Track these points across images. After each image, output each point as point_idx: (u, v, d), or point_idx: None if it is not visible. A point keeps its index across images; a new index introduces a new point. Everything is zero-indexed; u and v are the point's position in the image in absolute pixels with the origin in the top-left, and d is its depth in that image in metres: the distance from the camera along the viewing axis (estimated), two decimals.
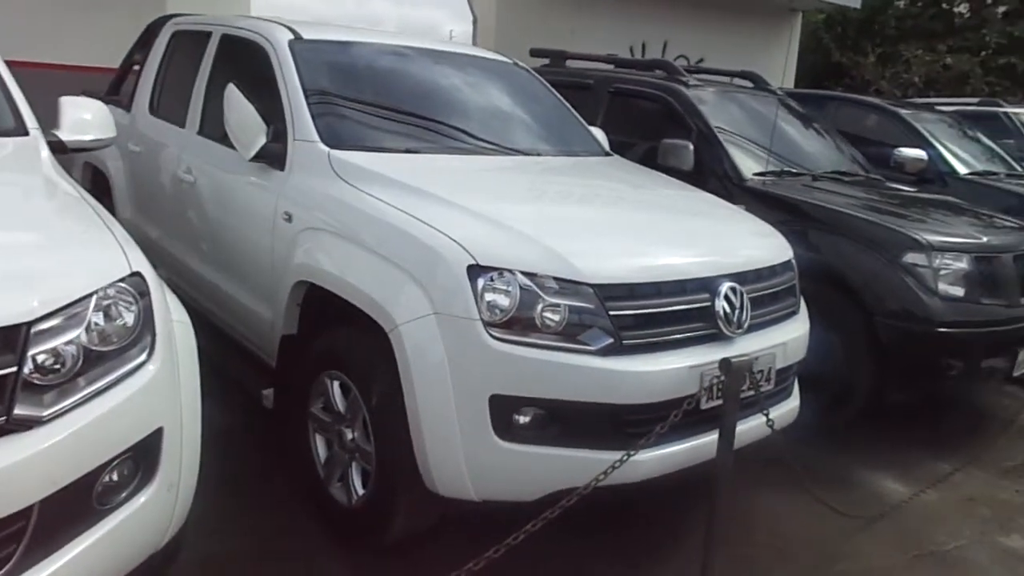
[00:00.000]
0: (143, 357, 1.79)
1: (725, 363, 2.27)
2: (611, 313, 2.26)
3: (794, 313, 2.89)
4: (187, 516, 2.03)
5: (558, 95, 3.99)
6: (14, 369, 1.57)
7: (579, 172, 3.38)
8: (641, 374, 2.25)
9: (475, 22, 8.99)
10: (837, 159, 4.97)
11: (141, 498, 1.78)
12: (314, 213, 2.74)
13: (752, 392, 2.41)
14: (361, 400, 2.49)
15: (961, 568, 2.85)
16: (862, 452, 3.64)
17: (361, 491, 2.56)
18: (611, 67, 5.66)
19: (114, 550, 1.74)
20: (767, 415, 2.46)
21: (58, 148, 2.61)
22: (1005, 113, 7.77)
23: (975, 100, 8.70)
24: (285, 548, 2.61)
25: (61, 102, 2.70)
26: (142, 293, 1.83)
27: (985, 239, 3.87)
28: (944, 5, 14.90)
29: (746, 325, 2.52)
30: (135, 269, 1.84)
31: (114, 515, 1.72)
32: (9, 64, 2.86)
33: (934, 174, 5.58)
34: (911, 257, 3.63)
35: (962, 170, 5.75)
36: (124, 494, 1.75)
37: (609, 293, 2.27)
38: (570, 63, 5.83)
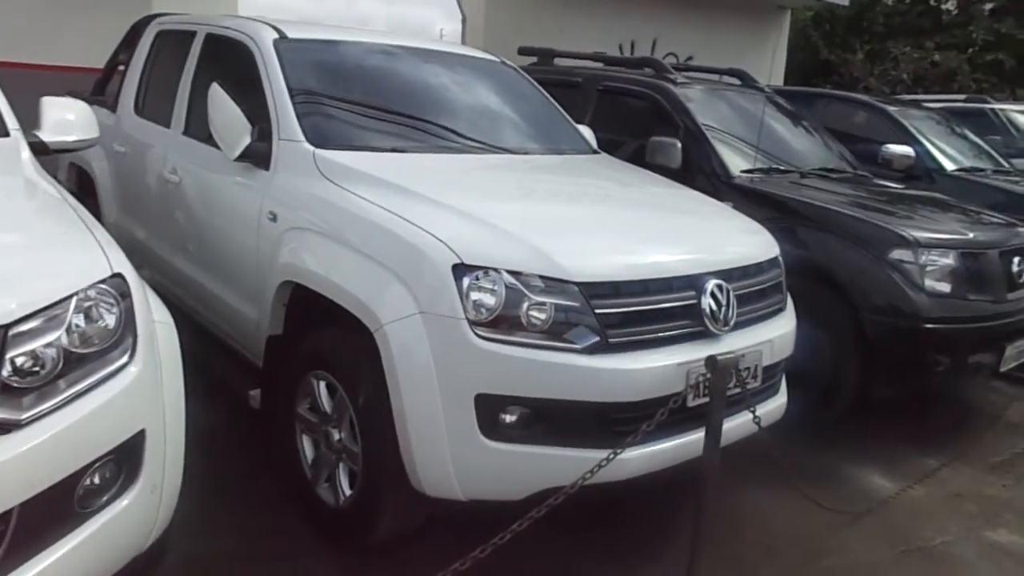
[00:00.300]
0: (125, 359, 1.77)
1: (711, 361, 2.27)
2: (597, 311, 2.26)
3: (781, 310, 2.89)
4: (172, 517, 2.02)
5: (545, 93, 3.98)
6: None
7: (566, 170, 3.38)
8: (627, 372, 2.25)
9: (464, 21, 8.97)
10: (825, 156, 4.98)
11: (124, 501, 1.76)
12: (299, 213, 2.73)
13: (739, 390, 2.41)
14: (348, 400, 2.48)
15: (948, 563, 2.86)
16: (849, 448, 3.66)
17: (348, 492, 2.55)
18: (600, 65, 5.66)
19: (97, 553, 1.73)
20: (754, 412, 2.46)
21: (40, 149, 2.58)
22: (992, 109, 7.82)
23: (962, 97, 8.76)
24: (272, 549, 2.60)
25: (43, 102, 2.68)
26: (123, 294, 1.82)
27: (971, 235, 3.88)
28: (932, 2, 14.98)
29: (732, 322, 2.52)
30: (116, 270, 1.83)
31: (96, 518, 1.71)
32: None
33: (921, 170, 5.60)
34: (898, 253, 3.64)
35: (949, 166, 5.78)
36: (106, 497, 1.74)
37: (595, 291, 2.27)
38: (558, 61, 5.82)
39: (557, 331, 2.23)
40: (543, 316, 2.23)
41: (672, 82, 4.79)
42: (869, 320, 3.62)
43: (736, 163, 4.35)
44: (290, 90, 3.02)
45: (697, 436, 2.35)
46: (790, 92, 6.31)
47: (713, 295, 2.48)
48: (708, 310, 2.46)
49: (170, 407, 1.91)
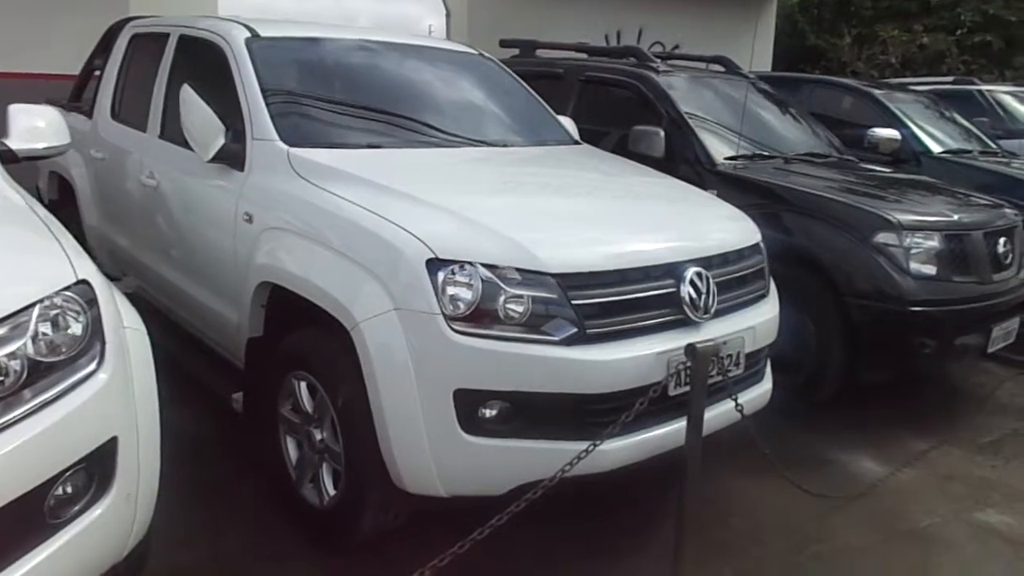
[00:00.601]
0: (93, 366, 1.75)
1: (690, 349, 2.25)
2: (574, 302, 2.24)
3: (763, 296, 2.88)
4: (153, 525, 2.01)
5: (525, 85, 3.95)
6: None
7: (545, 162, 3.35)
8: (606, 363, 2.24)
9: (448, 15, 8.93)
10: (810, 141, 4.96)
11: (97, 510, 1.74)
12: (274, 213, 2.71)
13: (720, 377, 2.40)
14: (328, 400, 2.46)
15: (937, 545, 2.86)
16: (839, 433, 3.65)
17: (332, 491, 2.53)
18: (583, 56, 5.64)
19: (70, 564, 1.71)
20: (736, 400, 2.45)
21: (8, 158, 2.55)
22: (979, 91, 7.80)
23: (950, 79, 8.73)
24: (259, 552, 2.58)
25: (11, 110, 2.64)
26: (90, 301, 1.79)
27: (956, 217, 3.87)
28: None
29: (713, 310, 2.51)
30: (81, 277, 1.80)
31: (69, 528, 1.69)
32: None
33: (908, 154, 5.59)
34: (882, 237, 3.63)
35: (936, 149, 5.76)
36: (78, 507, 1.72)
37: (572, 282, 2.25)
38: (541, 53, 5.79)
39: (535, 323, 2.22)
40: (520, 309, 2.21)
41: (654, 71, 4.77)
42: (854, 304, 3.61)
43: (720, 150, 4.33)
44: (263, 89, 2.99)
45: (680, 425, 2.34)
46: (775, 78, 6.29)
47: (692, 283, 2.46)
48: (688, 298, 2.44)
49: (143, 414, 1.88)
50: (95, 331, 1.78)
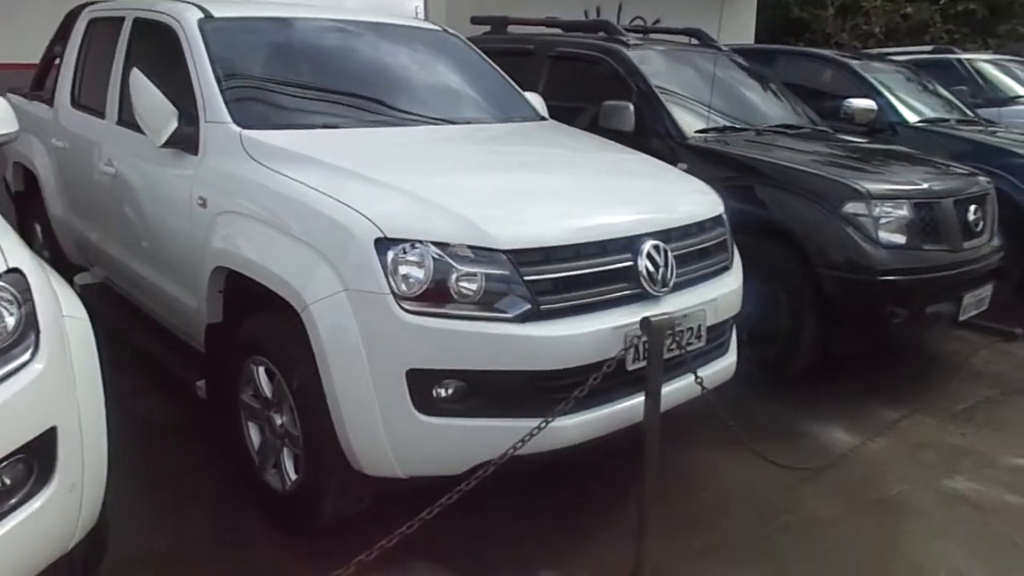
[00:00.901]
0: (27, 356, 1.71)
1: (645, 322, 2.23)
2: (527, 279, 2.21)
3: (726, 268, 2.85)
4: (109, 514, 1.99)
5: (490, 61, 3.90)
6: None
7: (508, 139, 3.31)
8: (560, 339, 2.21)
9: None
10: (784, 113, 4.92)
11: (37, 502, 1.71)
12: (227, 197, 2.66)
13: (679, 351, 2.38)
14: (285, 384, 2.43)
15: (905, 513, 2.86)
16: (812, 405, 3.65)
17: (293, 476, 2.52)
18: (555, 31, 5.56)
19: (11, 556, 1.68)
20: (696, 374, 2.43)
21: None
22: (958, 60, 7.76)
23: (929, 48, 8.68)
24: (221, 538, 2.57)
25: None
26: (23, 290, 1.76)
27: (926, 185, 3.85)
28: None
29: (672, 283, 2.48)
30: (13, 265, 1.77)
31: (6, 521, 1.66)
32: None
33: (884, 124, 5.55)
34: (851, 207, 3.60)
35: (912, 119, 5.72)
36: (16, 498, 1.69)
37: (524, 258, 2.22)
38: (513, 29, 5.71)
39: (488, 301, 2.19)
40: (473, 287, 2.18)
41: (624, 44, 4.71)
42: (825, 275, 3.59)
43: (691, 124, 4.29)
44: (216, 70, 2.94)
45: (639, 400, 2.32)
46: (751, 50, 6.23)
47: (650, 256, 2.43)
48: (646, 272, 2.42)
49: (86, 403, 1.85)
50: (29, 321, 1.74)
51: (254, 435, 2.70)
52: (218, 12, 3.19)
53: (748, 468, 2.95)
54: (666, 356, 2.30)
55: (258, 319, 2.55)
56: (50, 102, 4.22)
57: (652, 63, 4.64)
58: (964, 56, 7.90)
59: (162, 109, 2.81)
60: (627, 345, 2.28)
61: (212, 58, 2.97)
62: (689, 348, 2.48)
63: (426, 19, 6.48)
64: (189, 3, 3.25)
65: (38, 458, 1.72)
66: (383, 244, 2.15)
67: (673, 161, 3.96)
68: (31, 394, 1.70)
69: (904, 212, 3.65)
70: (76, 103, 3.98)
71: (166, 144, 2.85)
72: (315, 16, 3.48)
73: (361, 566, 1.86)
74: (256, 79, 3.07)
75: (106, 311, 3.81)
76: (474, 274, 2.18)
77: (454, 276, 2.17)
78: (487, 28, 5.68)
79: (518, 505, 2.70)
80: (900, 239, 3.62)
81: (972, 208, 3.91)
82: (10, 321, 1.71)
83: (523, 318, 2.19)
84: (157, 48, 3.25)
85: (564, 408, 2.12)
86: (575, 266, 2.31)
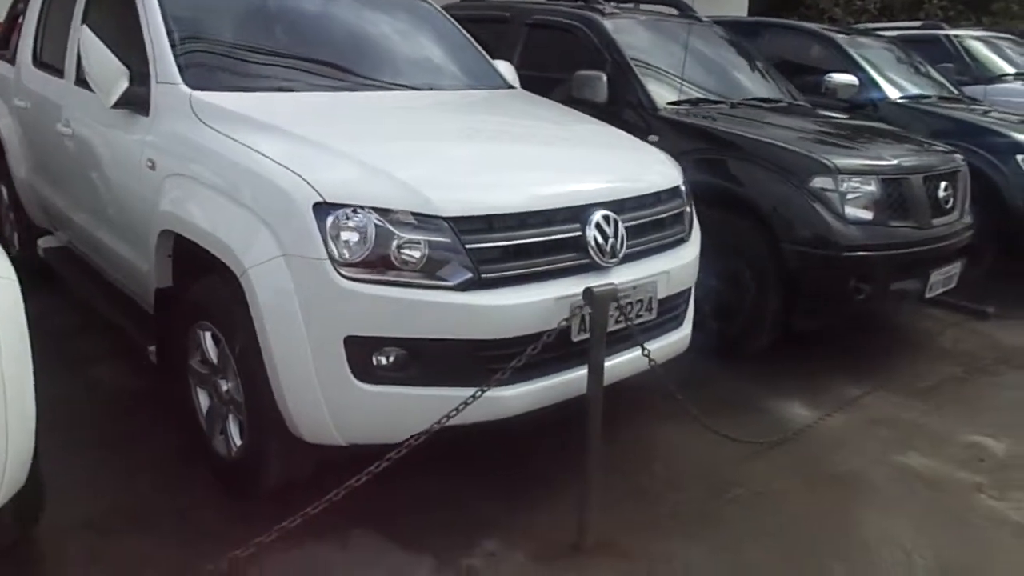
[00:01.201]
0: None
1: (588, 293, 2.20)
2: (468, 247, 2.18)
3: (683, 240, 2.82)
4: (35, 477, 1.98)
5: (459, 27, 3.83)
6: None
7: (470, 106, 3.26)
8: (501, 308, 2.19)
9: None
10: (761, 86, 4.86)
11: None
12: (174, 159, 2.62)
13: (625, 323, 2.35)
14: (228, 350, 2.41)
15: (857, 488, 2.85)
16: (774, 381, 3.63)
17: (239, 442, 2.50)
18: None
19: None
20: (643, 347, 2.41)
21: None
22: (946, 36, 7.66)
23: (917, 24, 8.58)
24: (169, 504, 2.55)
25: None
26: None
27: (895, 161, 3.81)
28: None
29: (621, 254, 2.45)
30: None
31: None
32: None
33: (865, 99, 5.50)
34: (818, 181, 3.57)
35: (894, 95, 5.66)
36: None
37: (466, 226, 2.19)
38: None
39: (429, 269, 2.16)
40: (415, 254, 2.15)
41: (600, 13, 4.63)
42: (790, 250, 3.56)
43: (663, 95, 4.23)
44: (168, 29, 2.87)
45: (585, 372, 2.30)
46: (735, 23, 6.15)
47: (599, 226, 2.40)
48: (594, 242, 2.39)
49: (9, 364, 1.82)
50: None
51: (202, 401, 2.68)
52: None
53: (703, 443, 2.93)
54: (612, 328, 2.29)
55: (203, 284, 2.52)
56: (12, 61, 4.15)
57: (628, 33, 4.56)
58: (952, 32, 7.81)
59: (112, 69, 2.75)
60: (571, 315, 2.25)
61: (166, 16, 2.90)
62: (638, 320, 2.46)
63: None
64: None
65: None
66: (323, 209, 2.12)
67: (645, 133, 3.92)
68: None
69: (872, 188, 3.62)
70: (37, 62, 3.92)
71: (117, 105, 2.79)
72: None
73: (284, 532, 1.85)
74: (212, 40, 3.00)
75: (68, 275, 3.78)
76: (417, 241, 2.15)
77: (395, 243, 2.14)
78: None
79: (467, 476, 2.69)
80: (867, 215, 3.60)
81: (943, 185, 3.88)
82: None
83: (464, 287, 2.17)
84: (111, 6, 3.18)
85: (501, 378, 2.10)
86: (520, 235, 2.28)
